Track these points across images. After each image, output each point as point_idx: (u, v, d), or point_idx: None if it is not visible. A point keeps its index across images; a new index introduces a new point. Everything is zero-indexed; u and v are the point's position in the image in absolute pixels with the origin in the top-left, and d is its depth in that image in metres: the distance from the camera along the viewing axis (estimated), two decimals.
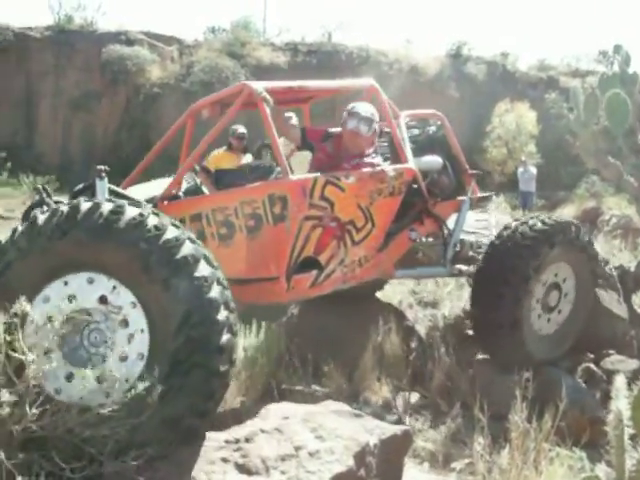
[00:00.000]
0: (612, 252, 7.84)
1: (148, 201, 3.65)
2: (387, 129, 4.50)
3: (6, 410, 2.33)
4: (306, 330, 4.84)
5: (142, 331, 2.67)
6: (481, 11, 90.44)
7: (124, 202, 2.80)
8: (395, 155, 4.37)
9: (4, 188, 15.85)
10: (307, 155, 4.33)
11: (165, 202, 3.91)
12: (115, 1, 50.94)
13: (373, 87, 4.43)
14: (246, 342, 4.50)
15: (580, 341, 4.66)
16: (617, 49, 5.87)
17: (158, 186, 4.16)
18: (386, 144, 4.55)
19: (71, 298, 2.67)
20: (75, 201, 2.82)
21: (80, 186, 3.96)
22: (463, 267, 4.72)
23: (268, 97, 3.87)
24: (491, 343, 4.43)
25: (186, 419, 2.61)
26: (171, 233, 2.72)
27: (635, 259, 6.78)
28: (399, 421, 3.87)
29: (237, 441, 2.71)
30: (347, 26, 50.52)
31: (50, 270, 2.69)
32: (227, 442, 2.70)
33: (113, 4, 46.94)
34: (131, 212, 2.73)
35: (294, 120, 4.37)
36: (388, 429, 2.96)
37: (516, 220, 4.57)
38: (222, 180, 4.32)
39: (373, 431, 2.88)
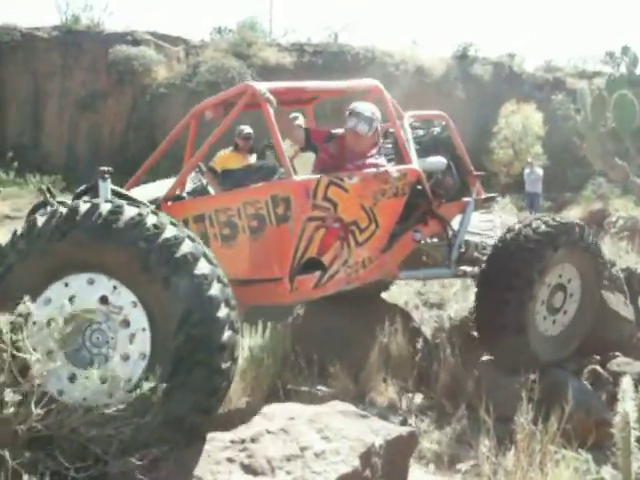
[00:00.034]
0: (619, 254, 7.80)
1: (151, 202, 3.67)
2: (391, 130, 4.49)
3: (11, 409, 2.33)
4: (312, 331, 4.83)
5: (143, 330, 2.68)
6: (487, 12, 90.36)
7: (123, 202, 2.81)
8: (399, 156, 4.36)
9: (11, 188, 15.91)
10: (311, 156, 4.31)
11: (168, 203, 3.92)
12: (122, 2, 51.13)
13: (377, 88, 4.42)
14: (252, 342, 4.50)
15: (586, 343, 4.65)
16: (625, 50, 5.88)
17: (162, 187, 4.17)
18: (390, 145, 4.54)
19: (72, 299, 2.67)
20: (74, 202, 2.83)
21: (83, 187, 3.98)
22: (468, 268, 4.71)
23: (271, 98, 3.85)
24: (496, 346, 4.42)
25: (189, 417, 2.62)
26: (170, 232, 2.73)
27: None
28: (405, 422, 3.87)
29: (243, 441, 2.71)
30: (353, 27, 50.57)
31: (50, 272, 2.70)
32: (233, 442, 2.71)
33: (120, 5, 47.06)
34: (130, 212, 2.74)
35: (300, 121, 4.36)
36: (394, 430, 2.96)
37: (519, 222, 4.54)
38: (228, 180, 4.33)
39: (379, 432, 2.88)
